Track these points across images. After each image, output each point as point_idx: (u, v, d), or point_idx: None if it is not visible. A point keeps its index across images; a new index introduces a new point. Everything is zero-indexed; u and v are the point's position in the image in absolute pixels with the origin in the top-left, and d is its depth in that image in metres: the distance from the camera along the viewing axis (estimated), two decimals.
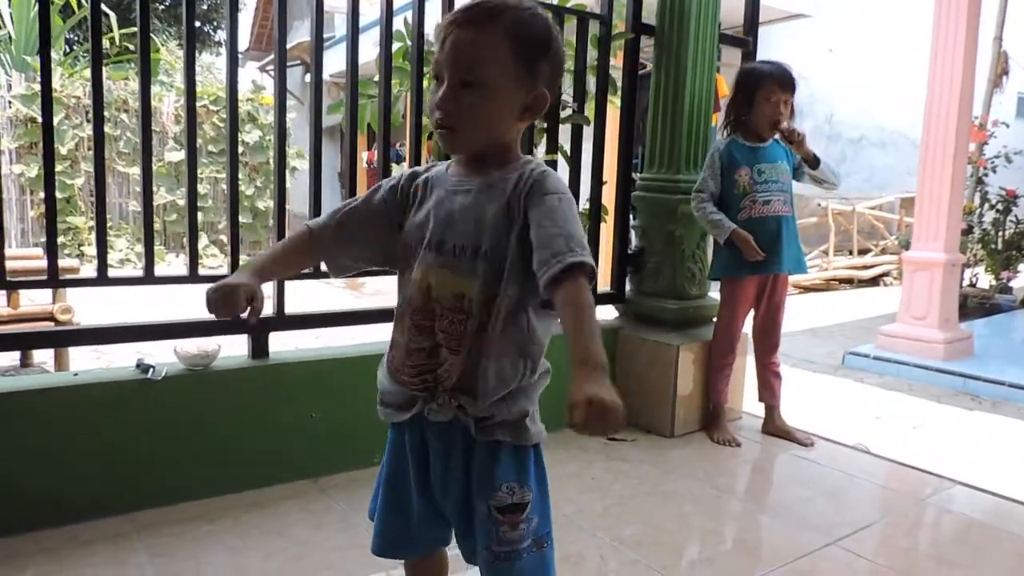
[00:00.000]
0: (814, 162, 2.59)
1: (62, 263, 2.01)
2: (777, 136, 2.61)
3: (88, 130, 8.45)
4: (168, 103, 9.14)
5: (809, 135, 2.67)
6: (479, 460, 1.11)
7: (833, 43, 9.53)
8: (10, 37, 9.32)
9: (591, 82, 2.74)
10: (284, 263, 1.25)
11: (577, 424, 0.83)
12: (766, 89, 2.53)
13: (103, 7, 1.85)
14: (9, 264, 1.87)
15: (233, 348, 2.17)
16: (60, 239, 3.27)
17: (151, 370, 2.00)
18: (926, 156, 4.26)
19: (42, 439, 1.86)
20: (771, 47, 3.17)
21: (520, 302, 1.07)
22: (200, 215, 5.84)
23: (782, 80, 2.53)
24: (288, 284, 2.19)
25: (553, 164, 2.73)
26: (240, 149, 5.07)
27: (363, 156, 10.50)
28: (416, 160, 2.34)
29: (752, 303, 2.72)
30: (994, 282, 6.32)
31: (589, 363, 0.88)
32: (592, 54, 2.73)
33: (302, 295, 2.25)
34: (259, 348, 2.17)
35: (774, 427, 2.78)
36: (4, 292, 2.01)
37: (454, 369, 1.08)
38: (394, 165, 2.61)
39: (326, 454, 2.24)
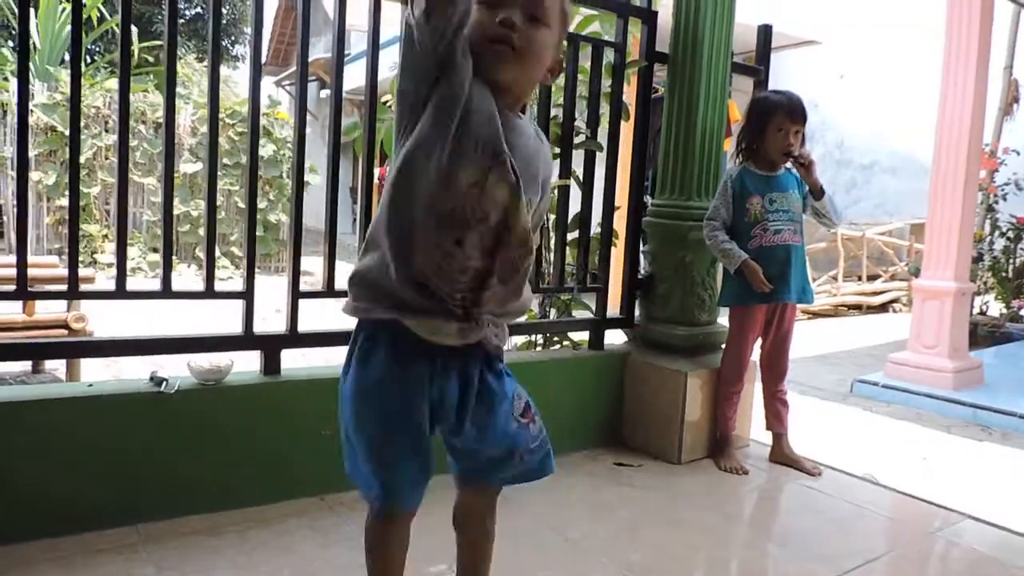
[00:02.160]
0: (819, 192, 2.61)
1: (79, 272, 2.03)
2: (789, 164, 2.64)
3: (106, 139, 8.56)
4: (185, 115, 9.25)
5: (819, 161, 2.70)
6: (490, 382, 1.21)
7: (844, 69, 9.59)
8: (35, 47, 9.48)
9: (603, 107, 2.77)
10: None
11: None
12: (777, 119, 2.56)
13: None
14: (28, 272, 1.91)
15: (246, 364, 2.20)
16: None
17: (164, 383, 2.02)
18: (936, 183, 4.27)
19: (56, 447, 1.88)
20: (782, 73, 3.20)
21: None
22: None
23: (793, 111, 2.56)
24: (301, 302, 2.21)
25: (566, 190, 2.76)
26: None
27: (377, 172, 10.56)
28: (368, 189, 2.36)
29: (760, 331, 2.73)
30: (1005, 310, 6.30)
31: None
32: (605, 80, 2.77)
33: (314, 313, 2.27)
34: (271, 365, 2.19)
35: (782, 455, 2.77)
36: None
37: (496, 297, 1.15)
38: None
39: (335, 472, 2.24)
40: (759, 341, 2.77)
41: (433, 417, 1.20)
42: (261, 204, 9.47)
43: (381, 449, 1.19)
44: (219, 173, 10.08)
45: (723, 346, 2.83)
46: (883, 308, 8.25)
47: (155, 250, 8.70)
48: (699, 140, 2.78)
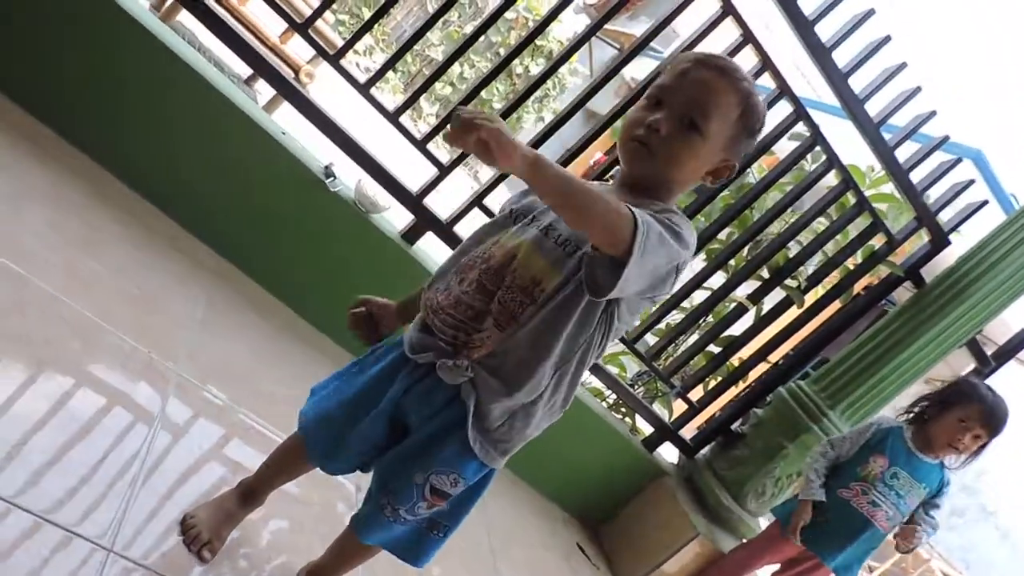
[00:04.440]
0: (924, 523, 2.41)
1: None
2: (946, 460, 2.41)
3: None
4: None
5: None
6: (446, 437, 1.15)
7: None
8: None
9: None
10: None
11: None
12: (969, 411, 2.31)
13: None
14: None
15: (397, 215, 2.25)
16: None
17: (332, 179, 2.12)
18: None
19: (221, 153, 2.04)
20: (1004, 385, 2.93)
21: (569, 313, 1.06)
22: None
23: (988, 415, 2.30)
24: (475, 211, 2.25)
25: (743, 309, 2.67)
26: None
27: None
28: None
29: (779, 559, 2.56)
30: None
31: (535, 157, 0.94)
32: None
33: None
34: (412, 235, 2.24)
35: None
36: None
37: (490, 342, 1.10)
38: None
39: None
40: (774, 568, 2.61)
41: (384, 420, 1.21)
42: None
43: (339, 392, 1.26)
44: None
45: (743, 541, 2.69)
46: None
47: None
48: (886, 372, 2.60)
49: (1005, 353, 2.86)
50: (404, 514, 1.19)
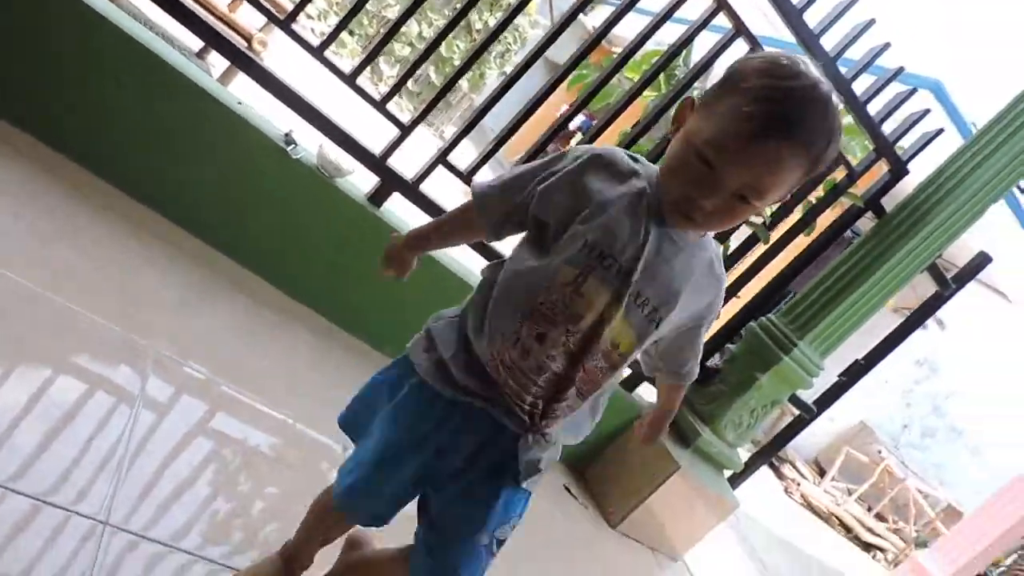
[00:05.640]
0: None
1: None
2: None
3: None
4: None
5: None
6: (498, 482, 1.07)
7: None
8: None
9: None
10: (448, 237, 1.23)
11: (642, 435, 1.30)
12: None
13: None
14: None
15: (362, 178, 2.25)
16: None
17: (293, 146, 2.10)
18: (997, 499, 4.07)
19: (180, 130, 2.01)
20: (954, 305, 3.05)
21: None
22: None
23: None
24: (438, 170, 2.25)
25: None
26: None
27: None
28: None
29: None
30: None
31: (668, 414, 1.27)
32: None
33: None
34: (378, 197, 2.24)
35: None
36: None
37: (569, 411, 1.03)
38: (579, 135, 2.63)
39: (376, 322, 2.31)
40: None
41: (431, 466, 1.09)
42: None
43: (384, 452, 1.09)
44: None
45: (726, 473, 2.80)
46: (866, 548, 7.95)
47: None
48: (851, 300, 2.68)
49: (964, 275, 2.95)
50: (474, 562, 1.11)
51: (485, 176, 1.30)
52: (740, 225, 1.16)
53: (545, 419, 1.02)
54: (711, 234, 1.06)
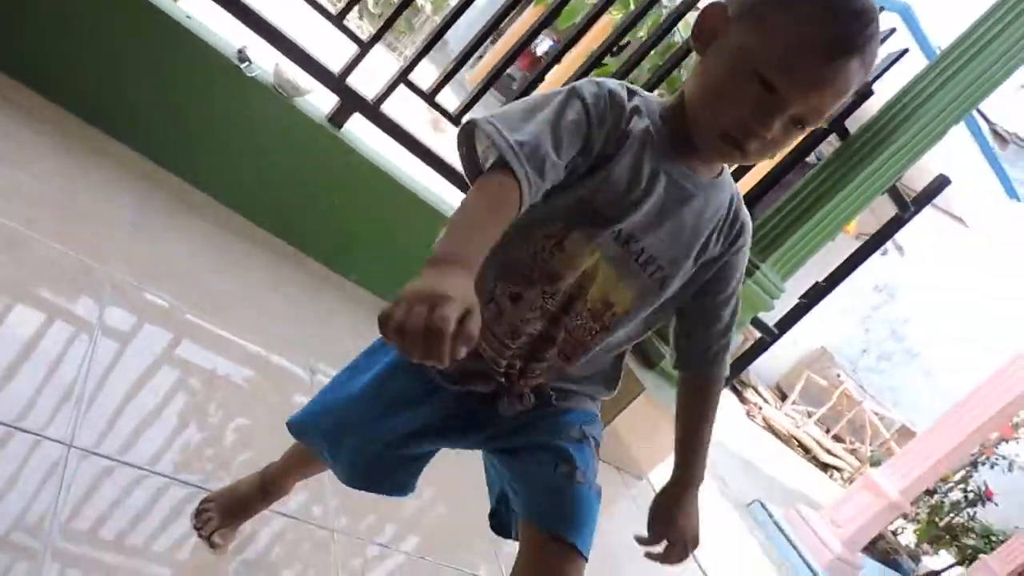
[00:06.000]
0: None
1: None
2: None
3: None
4: None
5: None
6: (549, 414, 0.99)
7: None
8: None
9: None
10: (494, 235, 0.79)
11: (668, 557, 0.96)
12: None
13: None
14: None
15: (321, 99, 2.18)
16: None
17: (247, 64, 2.02)
18: (946, 419, 4.28)
19: (126, 47, 1.91)
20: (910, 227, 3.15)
21: (637, 337, 0.99)
22: None
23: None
24: (399, 90, 2.18)
25: None
26: None
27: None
28: None
29: None
30: (913, 546, 6.41)
31: (694, 483, 0.99)
32: None
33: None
34: (339, 118, 2.18)
35: None
36: None
37: (550, 373, 0.96)
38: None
39: (340, 247, 2.28)
40: None
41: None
42: None
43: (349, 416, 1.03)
44: None
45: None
46: (824, 467, 8.34)
47: None
48: (813, 222, 2.72)
49: (924, 198, 3.01)
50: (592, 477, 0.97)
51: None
52: None
53: (523, 379, 0.95)
54: (728, 168, 0.94)
